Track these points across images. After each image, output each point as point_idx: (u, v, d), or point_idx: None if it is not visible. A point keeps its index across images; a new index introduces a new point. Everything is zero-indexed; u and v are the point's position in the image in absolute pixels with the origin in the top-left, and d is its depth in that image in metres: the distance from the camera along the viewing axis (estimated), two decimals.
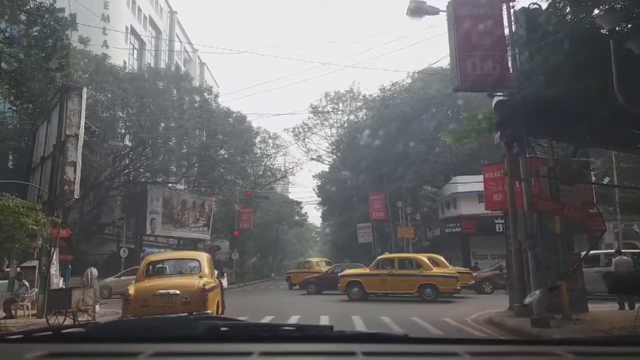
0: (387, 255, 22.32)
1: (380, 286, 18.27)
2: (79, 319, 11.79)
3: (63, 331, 1.84)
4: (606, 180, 22.14)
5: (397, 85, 38.38)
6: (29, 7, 16.06)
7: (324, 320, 12.17)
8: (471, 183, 26.51)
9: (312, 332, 1.86)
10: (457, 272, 19.27)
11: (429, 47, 66.84)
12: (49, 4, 16.26)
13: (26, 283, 13.90)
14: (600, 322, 10.31)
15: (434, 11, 12.29)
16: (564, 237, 11.59)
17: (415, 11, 12.30)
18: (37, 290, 13.73)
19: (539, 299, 9.90)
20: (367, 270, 19.43)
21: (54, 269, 14.07)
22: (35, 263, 14.63)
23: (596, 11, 8.66)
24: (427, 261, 18.47)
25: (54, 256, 14.02)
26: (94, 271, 18.63)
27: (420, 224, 35.49)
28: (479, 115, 13.74)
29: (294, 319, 12.48)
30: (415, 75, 37.49)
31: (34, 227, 12.21)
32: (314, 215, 63.44)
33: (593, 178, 17.84)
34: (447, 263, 20.68)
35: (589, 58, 7.85)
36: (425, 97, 33.56)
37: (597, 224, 13.83)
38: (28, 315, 13.21)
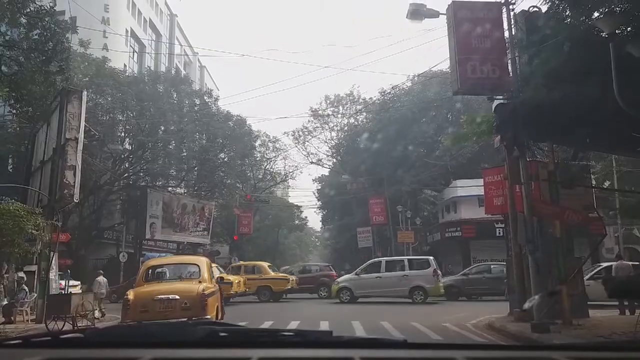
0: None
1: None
2: (78, 324, 11.75)
3: (61, 337, 1.83)
4: (606, 184, 22.12)
5: (397, 89, 38.40)
6: (29, 10, 16.05)
7: (324, 326, 12.12)
8: (471, 187, 26.47)
9: (312, 338, 1.86)
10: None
11: (429, 50, 66.93)
12: (49, 7, 16.25)
13: (25, 288, 13.86)
14: (601, 328, 10.26)
15: (434, 14, 12.30)
16: (564, 241, 11.56)
17: (415, 14, 12.30)
18: (36, 295, 13.68)
19: (539, 304, 9.85)
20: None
21: (53, 274, 14.01)
22: (35, 268, 14.58)
23: (596, 14, 8.65)
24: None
25: (54, 261, 13.97)
26: (102, 279, 17.50)
27: (420, 228, 35.44)
28: (478, 119, 13.73)
29: (293, 325, 12.43)
30: (415, 78, 37.50)
31: (33, 231, 12.17)
32: (314, 220, 63.42)
33: (593, 182, 17.82)
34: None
35: (588, 61, 7.84)
36: (425, 100, 33.56)
37: (597, 228, 13.82)
38: (27, 321, 13.15)
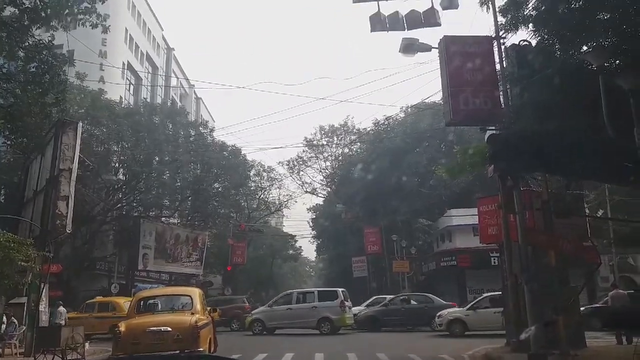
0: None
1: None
2: (67, 358, 11.50)
3: None
4: (600, 212, 22.21)
5: (391, 119, 38.82)
6: (27, 43, 16.23)
7: (319, 358, 11.94)
8: (466, 216, 26.48)
9: None
10: None
11: (422, 82, 67.92)
12: (47, 41, 16.44)
13: (15, 320, 13.60)
14: (599, 358, 10.17)
15: (426, 48, 12.54)
16: (559, 270, 11.54)
17: (408, 48, 12.54)
18: (25, 327, 13.41)
19: (536, 335, 9.77)
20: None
21: (43, 306, 13.78)
22: (24, 300, 14.34)
23: (584, 48, 8.86)
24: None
25: (44, 292, 13.75)
26: (62, 310, 17.40)
27: (415, 257, 35.26)
28: (471, 150, 13.85)
29: (287, 357, 12.22)
30: (409, 109, 37.96)
31: (23, 263, 12.01)
32: (308, 249, 63.01)
33: (587, 211, 17.90)
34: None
35: (579, 93, 7.99)
36: (419, 131, 33.88)
37: (592, 257, 13.79)
38: (16, 354, 12.87)
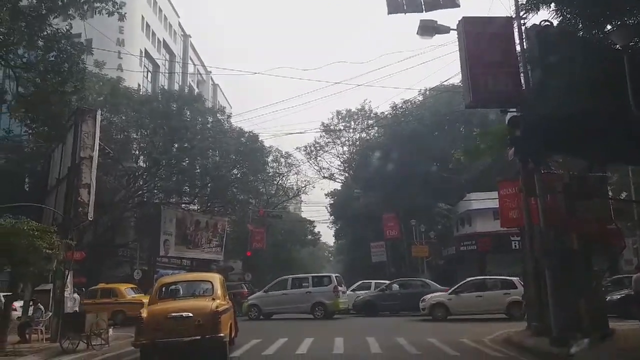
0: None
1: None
2: (92, 343, 11.74)
3: None
4: (623, 195, 21.76)
5: (409, 103, 38.39)
6: (46, 33, 16.39)
7: (339, 343, 12.01)
8: (486, 200, 26.23)
9: None
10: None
11: (441, 64, 67.01)
12: (65, 30, 16.57)
13: (41, 307, 13.90)
14: (622, 341, 10.02)
15: (445, 30, 12.30)
16: (582, 254, 11.34)
17: (426, 30, 12.33)
18: (51, 314, 13.71)
19: (557, 318, 9.68)
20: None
21: (68, 292, 14.06)
22: (50, 286, 14.64)
23: (608, 27, 8.59)
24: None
25: (68, 279, 14.02)
26: (76, 296, 16.68)
27: (434, 242, 35.11)
28: (491, 132, 13.62)
29: (307, 342, 12.32)
30: (427, 92, 37.50)
31: (47, 250, 12.25)
32: (327, 234, 63.21)
33: (610, 193, 17.54)
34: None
35: (602, 74, 7.76)
36: (438, 114, 33.47)
37: (615, 240, 13.55)
38: (42, 340, 13.18)
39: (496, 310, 18.06)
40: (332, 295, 20.26)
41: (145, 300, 19.22)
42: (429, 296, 19.55)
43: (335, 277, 21.52)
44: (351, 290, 25.38)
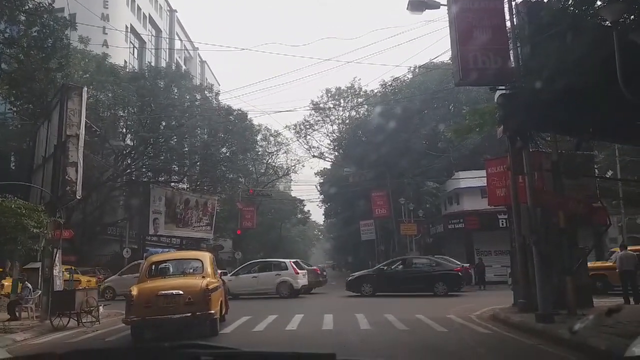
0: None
1: None
2: (82, 321, 11.77)
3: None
4: (609, 173, 22.02)
5: (399, 81, 38.23)
6: (27, 7, 16.02)
7: (328, 319, 12.13)
8: (474, 178, 26.35)
9: None
10: None
11: (431, 41, 66.66)
12: (47, 4, 16.21)
13: (29, 285, 13.88)
14: (606, 317, 10.21)
15: (435, 5, 12.17)
16: (568, 232, 11.50)
17: (415, 5, 12.20)
18: (40, 292, 13.70)
19: (543, 295, 9.84)
20: None
21: (57, 271, 14.02)
22: (38, 265, 14.60)
23: (599, 2, 8.55)
24: None
25: (57, 258, 13.98)
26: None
27: (423, 220, 35.37)
28: (480, 110, 13.62)
29: (297, 318, 12.44)
30: (417, 70, 37.33)
31: (35, 229, 12.17)
32: (316, 213, 63.48)
33: (596, 172, 17.73)
34: None
35: (592, 50, 7.75)
36: (427, 92, 33.39)
37: (601, 218, 13.74)
38: (32, 317, 13.20)
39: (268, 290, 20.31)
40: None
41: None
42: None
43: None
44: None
